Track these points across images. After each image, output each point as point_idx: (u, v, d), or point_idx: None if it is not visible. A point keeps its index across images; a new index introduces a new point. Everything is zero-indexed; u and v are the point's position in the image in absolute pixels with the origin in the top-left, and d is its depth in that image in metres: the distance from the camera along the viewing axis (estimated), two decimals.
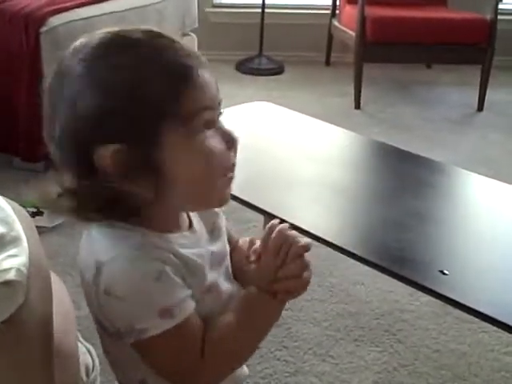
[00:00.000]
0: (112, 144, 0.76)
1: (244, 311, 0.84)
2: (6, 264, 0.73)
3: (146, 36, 0.80)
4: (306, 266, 0.84)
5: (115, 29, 0.81)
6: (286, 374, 1.68)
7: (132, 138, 0.76)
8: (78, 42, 0.81)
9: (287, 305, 1.99)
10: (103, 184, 0.77)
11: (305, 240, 0.85)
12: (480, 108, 3.71)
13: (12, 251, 0.75)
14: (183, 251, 0.81)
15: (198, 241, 0.86)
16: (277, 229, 0.84)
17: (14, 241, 0.77)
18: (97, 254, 0.79)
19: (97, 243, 0.80)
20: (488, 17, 3.56)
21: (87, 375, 1.03)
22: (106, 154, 0.76)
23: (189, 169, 0.79)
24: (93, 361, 1.09)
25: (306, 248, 0.84)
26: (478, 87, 3.69)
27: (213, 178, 0.81)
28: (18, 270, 0.73)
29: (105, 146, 0.76)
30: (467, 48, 3.64)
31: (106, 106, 0.76)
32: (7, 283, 0.72)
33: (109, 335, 0.82)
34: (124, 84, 0.76)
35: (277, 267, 0.82)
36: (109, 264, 0.77)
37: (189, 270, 0.80)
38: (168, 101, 0.77)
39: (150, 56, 0.78)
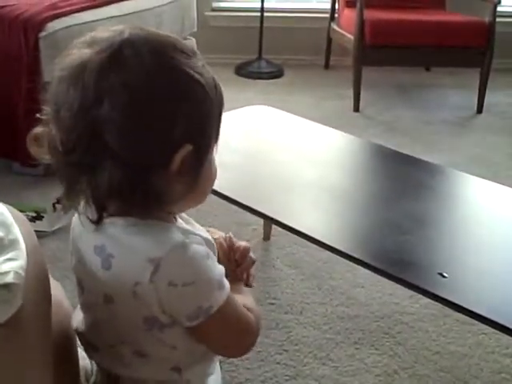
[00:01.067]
0: (189, 144, 0.81)
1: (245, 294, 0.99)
2: (4, 267, 0.73)
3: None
4: (252, 262, 1.03)
5: (143, 29, 0.83)
6: (286, 378, 1.68)
7: (200, 140, 0.83)
8: (126, 34, 0.80)
9: (287, 308, 2.00)
10: (160, 179, 0.80)
11: (243, 244, 1.03)
12: (479, 110, 3.72)
13: (10, 254, 0.76)
14: (200, 233, 0.88)
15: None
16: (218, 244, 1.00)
17: (12, 244, 0.78)
18: (146, 253, 0.81)
19: (139, 244, 0.82)
20: (486, 20, 3.56)
21: (87, 380, 1.03)
22: (182, 153, 0.81)
23: (212, 172, 0.89)
24: (92, 365, 1.09)
25: (247, 250, 1.02)
26: (477, 90, 3.69)
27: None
28: (16, 273, 0.74)
29: (186, 145, 0.81)
30: (466, 51, 3.64)
31: (204, 108, 0.83)
32: (5, 286, 0.72)
33: (159, 328, 0.85)
34: (209, 86, 0.83)
35: (234, 269, 1.00)
36: (167, 257, 0.81)
37: (210, 248, 0.88)
38: (219, 112, 0.87)
39: (209, 72, 0.85)
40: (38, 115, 0.82)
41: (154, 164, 0.80)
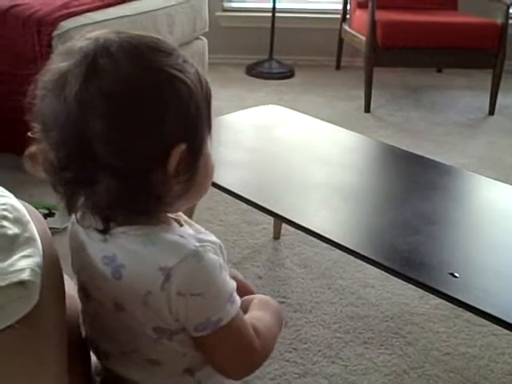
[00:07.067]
0: (182, 143, 0.80)
1: (269, 307, 0.99)
2: (21, 264, 0.74)
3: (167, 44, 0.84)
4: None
5: (125, 32, 0.82)
6: (295, 376, 1.68)
7: (193, 138, 0.82)
8: (105, 41, 0.79)
9: (297, 307, 2.00)
10: (158, 182, 0.80)
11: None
12: (491, 112, 3.71)
13: (26, 251, 0.76)
14: (210, 239, 0.87)
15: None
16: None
17: (29, 241, 0.78)
18: (158, 261, 0.80)
19: (150, 253, 0.81)
20: (499, 21, 3.56)
21: (98, 374, 1.04)
22: (176, 153, 0.80)
23: (209, 167, 0.87)
24: None
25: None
26: (489, 91, 3.68)
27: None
28: (33, 270, 0.74)
29: (179, 144, 0.80)
30: (478, 52, 3.63)
31: (191, 105, 0.81)
32: (22, 283, 0.72)
33: (168, 336, 0.85)
34: (193, 82, 0.81)
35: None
36: (179, 266, 0.80)
37: (221, 254, 0.87)
38: (208, 105, 0.85)
39: (192, 66, 0.83)
40: (30, 134, 0.81)
41: (149, 169, 0.79)
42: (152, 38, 0.82)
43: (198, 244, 0.82)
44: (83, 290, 0.92)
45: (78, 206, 0.83)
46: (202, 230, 0.93)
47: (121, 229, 0.83)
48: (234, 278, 0.96)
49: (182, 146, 0.80)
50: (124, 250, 0.83)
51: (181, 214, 0.94)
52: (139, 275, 0.82)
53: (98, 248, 0.85)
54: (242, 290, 1.01)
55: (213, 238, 0.88)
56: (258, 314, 0.96)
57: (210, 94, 0.86)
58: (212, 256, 0.82)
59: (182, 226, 0.90)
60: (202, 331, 0.83)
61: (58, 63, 0.79)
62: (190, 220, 0.95)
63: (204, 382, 0.93)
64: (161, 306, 0.82)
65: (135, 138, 0.77)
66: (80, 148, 0.76)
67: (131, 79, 0.77)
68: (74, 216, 0.88)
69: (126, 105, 0.76)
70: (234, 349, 0.88)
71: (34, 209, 0.91)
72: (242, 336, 0.88)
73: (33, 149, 0.82)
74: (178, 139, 0.80)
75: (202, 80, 0.84)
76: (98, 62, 0.77)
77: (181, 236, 0.83)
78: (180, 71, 0.80)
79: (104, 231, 0.83)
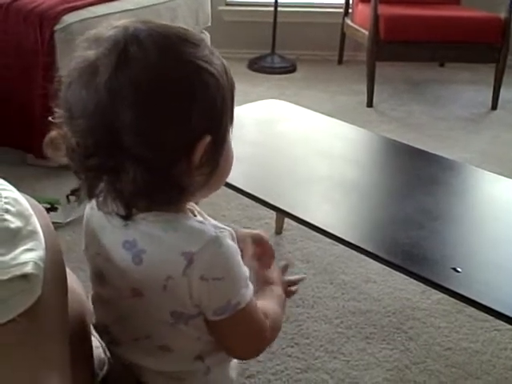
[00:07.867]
0: (207, 135, 0.81)
1: (275, 298, 1.02)
2: (24, 257, 0.73)
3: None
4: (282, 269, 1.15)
5: (155, 23, 0.82)
6: (297, 371, 1.69)
7: (217, 130, 0.83)
8: (134, 30, 0.79)
9: (299, 302, 2.00)
10: (182, 173, 0.81)
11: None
12: (494, 107, 3.70)
13: (29, 245, 0.76)
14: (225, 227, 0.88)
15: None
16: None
17: (31, 235, 0.78)
18: (180, 247, 0.81)
19: (172, 239, 0.82)
20: (502, 15, 3.55)
21: (100, 369, 1.04)
22: (201, 145, 0.81)
23: (230, 158, 0.88)
24: (105, 353, 1.10)
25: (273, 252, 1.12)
26: (492, 86, 3.68)
27: None
28: (35, 263, 0.74)
29: (204, 137, 0.81)
30: (481, 47, 3.62)
31: (217, 97, 0.82)
32: (24, 276, 0.72)
33: (185, 320, 0.86)
34: (219, 74, 0.82)
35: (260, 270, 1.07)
36: (201, 251, 0.81)
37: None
38: (232, 97, 0.86)
39: (218, 58, 0.84)
40: (51, 119, 0.81)
41: (174, 160, 0.80)
42: (180, 29, 0.83)
43: (216, 230, 0.83)
44: (98, 276, 0.93)
45: (97, 192, 0.83)
46: (213, 220, 0.94)
47: (142, 215, 0.84)
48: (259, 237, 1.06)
49: (207, 138, 0.81)
50: (145, 236, 0.84)
51: (194, 204, 0.95)
52: (160, 260, 0.83)
53: (118, 233, 0.86)
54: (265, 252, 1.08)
55: (225, 227, 0.90)
56: (264, 301, 0.98)
57: (234, 86, 0.87)
58: (229, 241, 0.84)
59: (195, 216, 0.92)
60: (221, 315, 0.85)
61: (84, 51, 0.79)
62: (202, 211, 0.96)
63: (212, 369, 0.94)
64: (181, 290, 0.83)
65: (162, 128, 0.78)
66: (108, 137, 0.77)
67: (159, 69, 0.78)
68: (90, 201, 0.88)
69: (154, 95, 0.77)
70: (246, 332, 0.91)
71: (36, 203, 0.90)
72: (254, 320, 0.90)
73: (53, 134, 0.82)
74: (204, 131, 0.81)
75: (227, 72, 0.85)
76: (129, 50, 0.77)
77: (200, 222, 0.85)
78: (207, 63, 0.81)
79: (126, 217, 0.83)
